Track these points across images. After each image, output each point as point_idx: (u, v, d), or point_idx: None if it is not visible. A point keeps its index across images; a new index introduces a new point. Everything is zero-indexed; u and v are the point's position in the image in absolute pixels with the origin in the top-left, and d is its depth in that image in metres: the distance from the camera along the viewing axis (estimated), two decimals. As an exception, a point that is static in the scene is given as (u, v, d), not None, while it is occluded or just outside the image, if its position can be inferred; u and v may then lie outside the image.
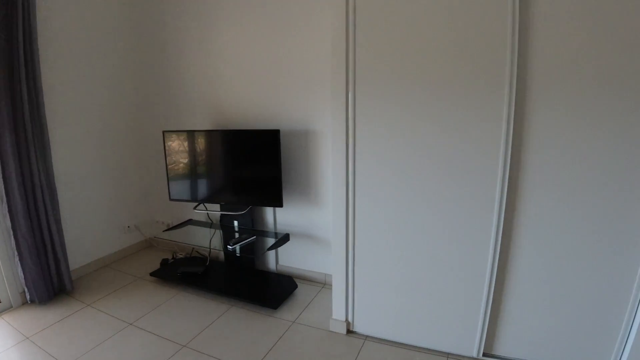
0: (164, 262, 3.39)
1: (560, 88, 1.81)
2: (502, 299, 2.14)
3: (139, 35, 3.47)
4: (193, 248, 3.50)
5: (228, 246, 2.84)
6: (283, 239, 2.94)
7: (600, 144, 1.81)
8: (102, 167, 3.36)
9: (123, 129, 3.52)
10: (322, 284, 3.10)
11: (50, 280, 2.81)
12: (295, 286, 2.98)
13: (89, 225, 3.29)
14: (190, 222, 3.44)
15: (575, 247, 1.96)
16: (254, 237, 2.99)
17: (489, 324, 2.18)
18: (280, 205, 2.84)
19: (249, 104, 3.08)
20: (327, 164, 2.85)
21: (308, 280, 3.16)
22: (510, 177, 1.96)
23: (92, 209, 3.31)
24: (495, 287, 2.12)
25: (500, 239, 2.04)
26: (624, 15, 1.67)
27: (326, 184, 2.91)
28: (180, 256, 3.55)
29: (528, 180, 1.96)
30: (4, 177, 2.53)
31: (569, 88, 1.79)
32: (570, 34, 1.76)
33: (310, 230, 3.08)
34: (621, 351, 2.03)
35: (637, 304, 1.96)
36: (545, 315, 2.10)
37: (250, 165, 2.91)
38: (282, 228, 3.16)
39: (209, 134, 3.03)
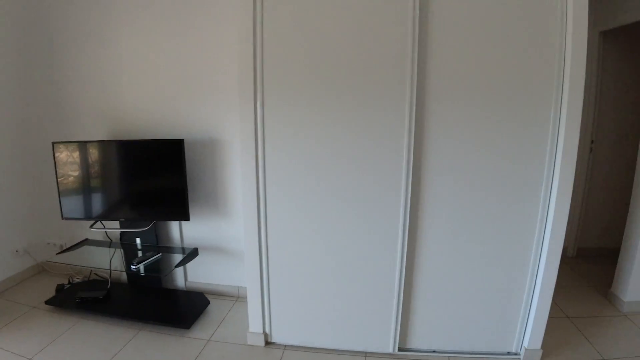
0: (60, 288, 3.06)
1: (452, 98, 1.99)
2: (412, 296, 2.24)
3: (22, 36, 3.07)
4: (91, 271, 3.22)
5: (131, 266, 2.63)
6: (191, 254, 2.79)
7: (489, 143, 2.02)
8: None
9: (5, 140, 3.11)
10: (236, 298, 3.01)
11: None
12: (208, 302, 2.86)
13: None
14: (86, 242, 3.14)
15: (474, 242, 2.13)
16: (160, 254, 2.81)
17: (401, 321, 2.26)
18: (187, 219, 2.69)
19: (151, 112, 2.88)
20: (236, 173, 2.76)
21: (220, 295, 3.04)
22: (413, 183, 2.07)
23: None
24: (405, 285, 2.20)
25: (406, 239, 2.13)
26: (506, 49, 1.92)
27: (236, 194, 2.82)
28: (78, 280, 3.24)
29: (429, 185, 2.09)
30: None
31: (459, 98, 1.99)
32: (462, 56, 1.95)
33: (220, 243, 2.96)
34: (522, 333, 2.22)
35: (532, 288, 2.16)
36: (451, 308, 2.24)
37: (153, 178, 2.73)
38: (189, 242, 3.01)
39: (106, 144, 2.79)
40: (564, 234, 2.03)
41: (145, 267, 2.67)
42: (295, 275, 2.27)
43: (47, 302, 2.86)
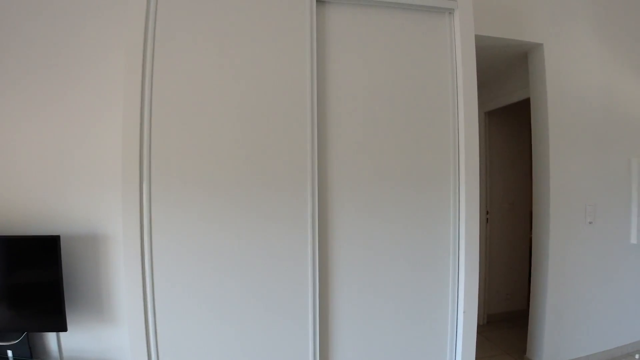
0: None
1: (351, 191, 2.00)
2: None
3: None
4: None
5: (0, 390, 2.15)
6: (72, 372, 2.36)
7: (387, 234, 2.04)
8: None
9: None
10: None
11: None
12: None
13: None
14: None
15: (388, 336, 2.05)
16: (33, 373, 2.34)
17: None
18: (64, 330, 2.27)
19: (19, 203, 2.46)
20: (124, 273, 2.43)
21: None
22: (320, 291, 1.97)
23: None
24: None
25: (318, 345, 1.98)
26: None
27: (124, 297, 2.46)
28: None
29: (336, 284, 2.00)
30: None
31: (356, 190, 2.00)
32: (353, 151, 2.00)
33: (107, 355, 2.52)
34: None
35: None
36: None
37: (23, 282, 2.29)
38: (70, 355, 2.51)
39: None
40: (476, 315, 2.04)
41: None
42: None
43: None
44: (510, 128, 4.10)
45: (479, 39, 2.13)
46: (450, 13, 2.08)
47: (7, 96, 2.43)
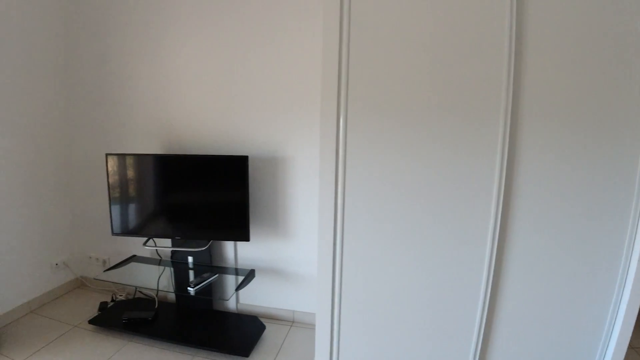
0: (103, 307, 2.94)
1: (547, 129, 1.87)
2: (491, 336, 2.10)
3: (76, 46, 3.02)
4: (137, 289, 3.09)
5: (189, 288, 2.50)
6: (249, 275, 2.66)
7: (582, 183, 1.90)
8: (23, 195, 2.85)
9: (51, 151, 3.04)
10: (291, 322, 2.86)
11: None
12: (264, 327, 2.70)
13: (9, 265, 2.76)
14: (133, 258, 3.03)
15: (556, 277, 2.00)
16: (216, 275, 2.68)
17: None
18: (247, 239, 2.57)
19: (211, 127, 2.78)
20: (298, 193, 2.67)
21: (274, 318, 2.90)
22: (501, 224, 1.96)
23: (12, 245, 2.78)
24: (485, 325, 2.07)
25: (491, 278, 2.01)
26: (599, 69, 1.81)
27: (296, 215, 2.71)
28: (121, 298, 3.11)
29: (517, 217, 1.96)
30: None
31: (554, 128, 1.87)
32: (557, 80, 1.84)
33: (275, 265, 2.83)
34: None
35: (612, 327, 2.02)
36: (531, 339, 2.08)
37: (213, 196, 2.62)
38: (244, 263, 2.88)
39: (163, 159, 2.67)
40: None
41: (200, 290, 2.54)
42: (371, 307, 2.13)
43: (90, 322, 2.73)
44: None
45: None
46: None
47: (215, 30, 2.68)
